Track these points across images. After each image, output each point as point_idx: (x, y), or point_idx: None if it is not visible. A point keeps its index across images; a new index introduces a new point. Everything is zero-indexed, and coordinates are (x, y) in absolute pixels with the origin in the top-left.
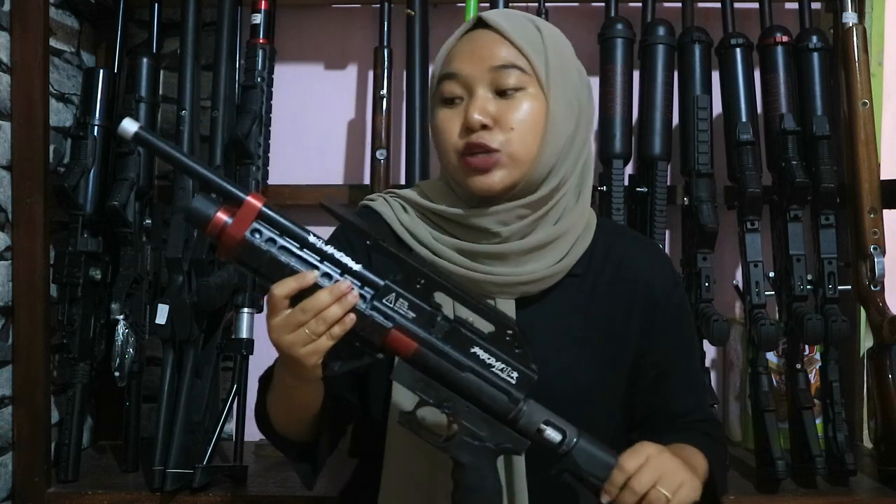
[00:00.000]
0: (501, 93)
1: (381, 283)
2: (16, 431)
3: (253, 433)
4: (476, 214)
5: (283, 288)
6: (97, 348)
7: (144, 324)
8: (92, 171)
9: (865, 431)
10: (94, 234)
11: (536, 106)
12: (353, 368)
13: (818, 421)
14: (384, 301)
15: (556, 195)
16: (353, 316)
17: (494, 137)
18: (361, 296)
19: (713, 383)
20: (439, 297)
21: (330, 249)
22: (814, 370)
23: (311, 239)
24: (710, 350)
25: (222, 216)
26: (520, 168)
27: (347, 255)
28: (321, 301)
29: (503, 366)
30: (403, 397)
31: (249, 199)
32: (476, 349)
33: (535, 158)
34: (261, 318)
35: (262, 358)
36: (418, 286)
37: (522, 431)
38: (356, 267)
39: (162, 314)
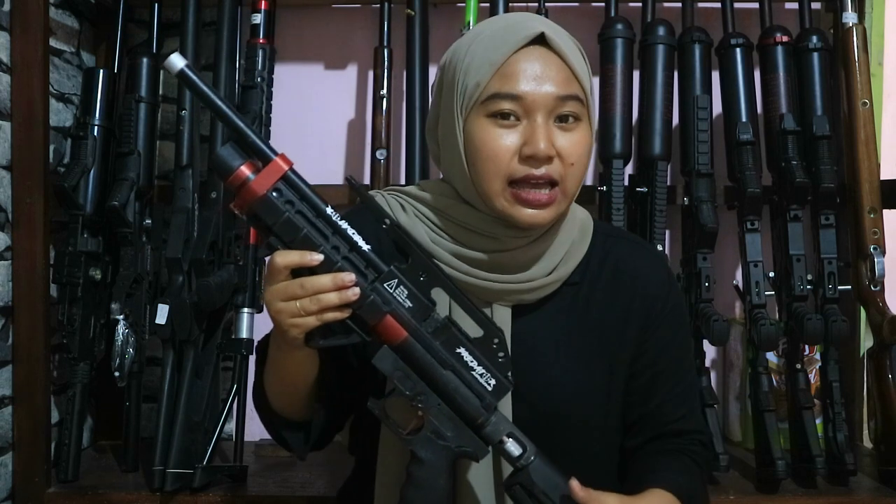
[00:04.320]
0: (558, 121)
1: (386, 268)
2: (16, 431)
3: (253, 433)
4: (479, 218)
5: (286, 258)
6: (97, 348)
7: (144, 324)
8: (92, 171)
9: (865, 431)
10: (94, 234)
11: (588, 138)
12: (337, 345)
13: (818, 421)
14: (386, 285)
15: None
16: (348, 310)
17: (556, 170)
18: (364, 275)
19: (713, 383)
20: (435, 295)
21: (344, 225)
22: (814, 370)
23: (329, 211)
24: (710, 350)
25: (246, 170)
26: (567, 202)
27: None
28: (321, 283)
29: (483, 371)
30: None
31: (277, 159)
32: (461, 350)
33: (576, 192)
34: (260, 318)
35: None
36: (421, 279)
37: (486, 438)
38: (365, 247)
39: (162, 314)
